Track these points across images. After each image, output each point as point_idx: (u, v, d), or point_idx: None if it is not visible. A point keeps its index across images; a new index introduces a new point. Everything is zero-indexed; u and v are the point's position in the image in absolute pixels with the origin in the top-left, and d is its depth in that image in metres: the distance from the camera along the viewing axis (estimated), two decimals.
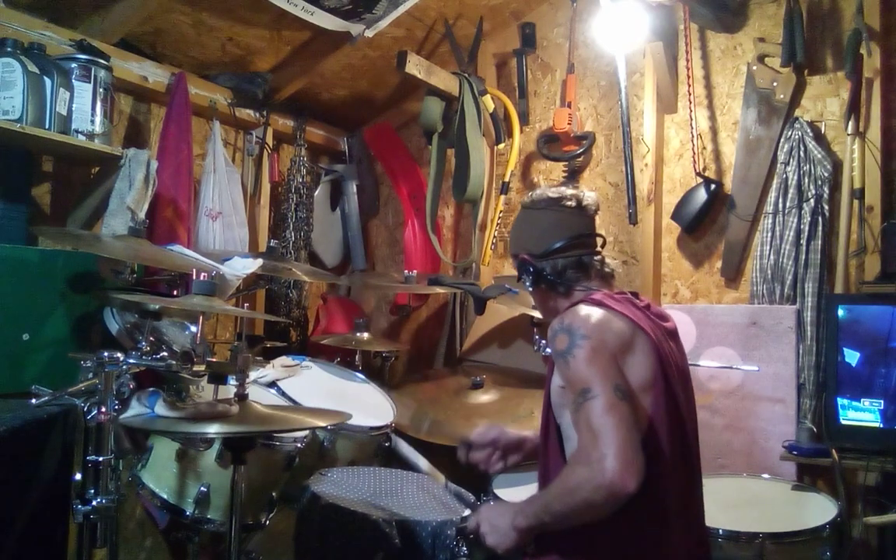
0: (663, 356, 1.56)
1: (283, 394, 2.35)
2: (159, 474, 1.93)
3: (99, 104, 2.41)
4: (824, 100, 2.84)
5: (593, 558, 1.50)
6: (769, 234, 2.81)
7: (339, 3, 2.77)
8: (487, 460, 1.92)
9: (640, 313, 1.60)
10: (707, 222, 3.04)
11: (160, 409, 1.71)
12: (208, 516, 1.91)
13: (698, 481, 1.63)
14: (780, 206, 2.80)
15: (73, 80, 2.33)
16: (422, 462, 2.08)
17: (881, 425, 2.44)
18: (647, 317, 1.61)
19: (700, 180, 3.00)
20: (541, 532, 1.52)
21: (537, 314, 2.63)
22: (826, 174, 2.72)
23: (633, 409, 1.43)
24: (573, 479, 1.41)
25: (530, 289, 1.76)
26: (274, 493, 2.07)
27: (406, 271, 3.01)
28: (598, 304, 1.58)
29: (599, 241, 1.77)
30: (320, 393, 2.47)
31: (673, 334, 1.68)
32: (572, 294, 1.69)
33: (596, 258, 1.73)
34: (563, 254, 1.70)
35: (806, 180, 2.76)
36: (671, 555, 1.50)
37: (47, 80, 2.22)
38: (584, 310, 1.57)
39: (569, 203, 1.74)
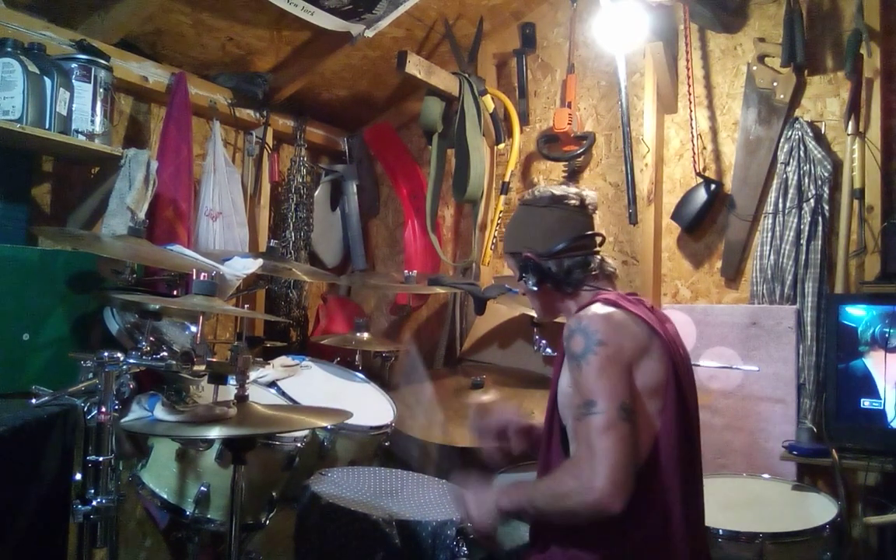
0: (677, 360, 1.57)
1: (283, 394, 2.35)
2: (159, 474, 1.93)
3: (99, 104, 2.41)
4: (824, 100, 2.83)
5: (597, 555, 1.49)
6: (769, 234, 2.81)
7: (339, 3, 2.77)
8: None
9: (654, 316, 1.60)
10: (707, 222, 3.04)
11: (159, 412, 1.71)
12: (208, 516, 1.91)
13: (700, 480, 1.64)
14: (780, 206, 2.80)
15: (73, 80, 2.33)
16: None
17: (881, 425, 2.44)
18: (658, 320, 1.61)
19: (700, 180, 3.00)
20: (519, 517, 1.62)
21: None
22: (826, 174, 2.72)
23: (634, 429, 1.44)
24: (562, 486, 1.45)
25: (534, 289, 1.73)
26: (274, 493, 2.07)
27: (406, 271, 3.01)
28: (614, 304, 1.57)
29: (598, 239, 1.76)
30: (320, 393, 2.46)
31: (677, 337, 1.68)
32: (579, 294, 1.69)
33: (597, 258, 1.73)
34: (568, 253, 1.69)
35: (806, 180, 2.75)
36: (674, 552, 1.50)
37: (47, 80, 2.22)
38: (603, 310, 1.55)
39: (572, 202, 1.73)
